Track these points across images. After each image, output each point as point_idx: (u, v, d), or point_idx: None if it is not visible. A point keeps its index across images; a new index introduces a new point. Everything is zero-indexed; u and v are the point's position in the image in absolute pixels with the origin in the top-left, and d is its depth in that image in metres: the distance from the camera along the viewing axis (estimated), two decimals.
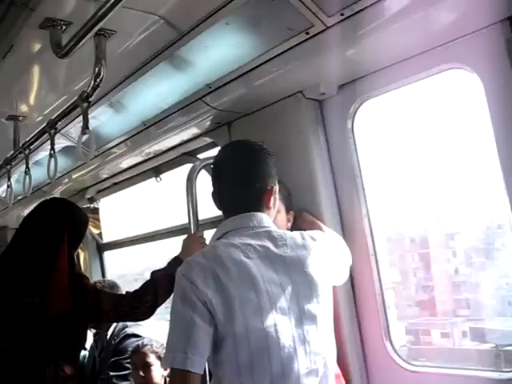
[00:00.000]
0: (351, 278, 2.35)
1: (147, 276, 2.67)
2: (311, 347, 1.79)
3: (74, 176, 4.11)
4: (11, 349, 2.50)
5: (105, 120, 3.20)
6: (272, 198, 1.94)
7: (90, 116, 2.42)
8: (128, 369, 3.51)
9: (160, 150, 3.42)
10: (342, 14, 1.98)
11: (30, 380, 2.49)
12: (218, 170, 2.01)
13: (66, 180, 4.21)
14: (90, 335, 3.70)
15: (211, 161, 2.60)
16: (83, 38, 1.98)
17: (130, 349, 3.51)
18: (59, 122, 2.79)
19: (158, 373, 3.34)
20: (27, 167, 3.26)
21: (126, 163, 3.74)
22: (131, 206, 5.19)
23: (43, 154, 3.54)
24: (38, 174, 3.61)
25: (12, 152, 3.30)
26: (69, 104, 2.54)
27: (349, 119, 2.46)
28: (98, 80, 2.23)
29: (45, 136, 2.99)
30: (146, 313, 2.59)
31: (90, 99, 2.32)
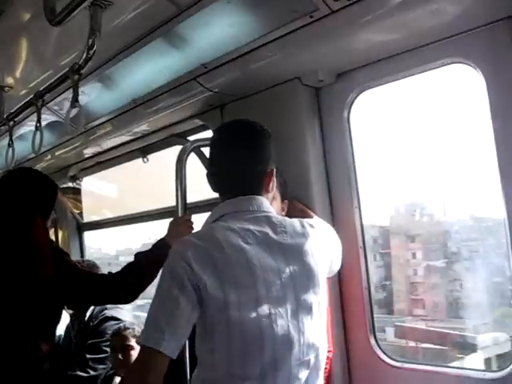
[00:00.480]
0: (339, 269, 2.31)
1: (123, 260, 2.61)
2: (305, 338, 1.74)
3: (57, 153, 4.01)
4: None
5: (93, 96, 3.11)
6: (271, 182, 1.88)
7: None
8: (105, 352, 3.44)
9: (148, 130, 3.34)
10: None
11: (8, 358, 2.40)
12: (217, 149, 1.93)
13: (49, 157, 4.11)
14: (66, 315, 3.63)
15: (202, 143, 2.55)
16: (79, 6, 1.90)
17: (109, 331, 3.43)
18: (47, 95, 2.70)
19: None
20: (11, 140, 3.17)
21: (112, 142, 3.65)
22: (116, 186, 5.11)
23: (27, 128, 3.45)
24: (21, 148, 3.51)
25: None
26: (59, 76, 2.45)
27: (345, 109, 2.41)
28: (91, 52, 2.15)
29: (30, 109, 2.91)
30: (128, 296, 2.52)
31: (82, 71, 2.24)
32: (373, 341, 2.40)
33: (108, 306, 3.58)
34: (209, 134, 3.01)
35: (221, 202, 1.89)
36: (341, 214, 2.44)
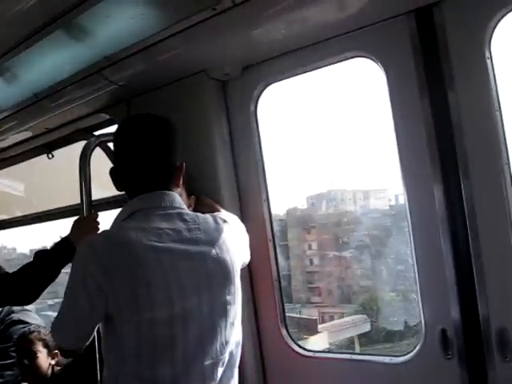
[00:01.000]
0: (249, 262, 2.32)
1: None
2: (220, 337, 1.74)
3: None
4: None
5: None
6: (181, 176, 1.86)
7: None
8: (13, 357, 3.31)
9: (53, 125, 3.21)
10: None
11: None
12: (122, 144, 1.87)
13: None
14: None
15: (108, 138, 2.48)
16: None
17: (16, 336, 3.30)
18: None
19: (45, 361, 3.16)
20: None
21: (14, 138, 3.49)
22: (25, 183, 4.90)
23: None
24: None
25: None
26: None
27: (252, 102, 2.42)
28: None
29: None
30: (27, 297, 2.37)
31: None
32: (284, 332, 2.43)
33: (15, 308, 3.45)
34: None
35: (128, 198, 1.84)
36: (250, 207, 2.45)
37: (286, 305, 2.44)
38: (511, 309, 1.87)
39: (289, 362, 2.41)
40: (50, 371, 3.17)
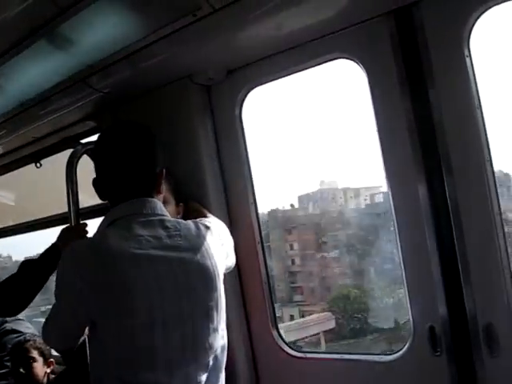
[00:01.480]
0: (238, 266, 2.33)
1: None
2: (203, 343, 1.74)
3: None
4: None
5: None
6: (163, 182, 1.87)
7: None
8: (7, 367, 3.31)
9: (40, 134, 3.21)
10: None
11: None
12: (103, 153, 1.89)
13: None
14: None
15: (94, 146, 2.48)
16: None
17: (10, 345, 3.30)
18: None
19: (41, 370, 3.17)
20: None
21: (2, 148, 3.49)
22: (16, 192, 4.90)
23: None
24: None
25: None
26: None
27: (237, 106, 2.43)
28: None
29: None
30: (13, 308, 2.33)
31: None
32: (275, 333, 2.44)
33: (8, 318, 3.44)
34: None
35: (111, 207, 1.86)
36: (237, 210, 2.45)
37: None
38: (497, 305, 1.88)
39: (281, 364, 2.42)
40: (45, 380, 3.18)
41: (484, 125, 1.89)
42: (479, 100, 1.90)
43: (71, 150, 3.11)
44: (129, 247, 1.68)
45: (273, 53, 2.30)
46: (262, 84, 2.42)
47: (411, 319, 2.06)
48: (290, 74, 2.35)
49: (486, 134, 1.89)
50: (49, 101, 2.75)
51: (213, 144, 2.46)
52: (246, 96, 2.43)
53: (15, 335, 3.40)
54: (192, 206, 2.33)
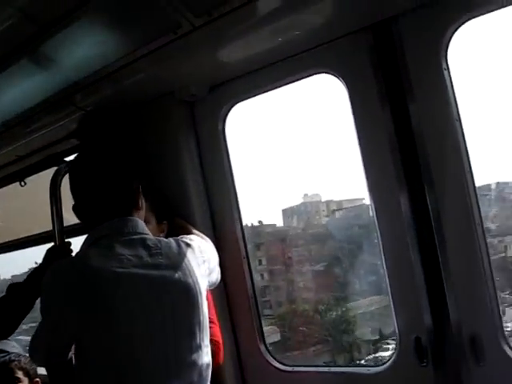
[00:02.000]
0: (224, 281, 2.33)
1: None
2: (186, 359, 1.74)
3: None
4: None
5: None
6: (140, 198, 1.88)
7: None
8: None
9: (24, 153, 3.21)
10: (209, 15, 1.94)
11: None
12: (77, 180, 1.90)
13: None
14: None
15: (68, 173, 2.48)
16: None
17: None
18: None
19: None
20: None
21: None
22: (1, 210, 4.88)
23: None
24: None
25: None
26: None
27: (220, 121, 2.44)
28: None
29: None
30: (2, 331, 2.33)
31: None
32: (263, 347, 2.44)
33: None
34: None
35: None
36: (222, 226, 2.46)
37: None
38: (481, 314, 1.90)
39: (269, 378, 2.42)
40: None
41: (463, 136, 1.92)
42: (458, 112, 1.93)
43: (55, 168, 3.15)
44: (110, 266, 1.69)
45: (254, 68, 2.32)
46: (244, 99, 2.43)
47: (397, 330, 2.07)
48: (271, 89, 2.37)
49: (465, 146, 1.92)
50: (32, 119, 2.75)
51: (197, 159, 2.47)
52: (228, 111, 2.44)
53: (1, 355, 3.36)
54: (177, 223, 2.32)
